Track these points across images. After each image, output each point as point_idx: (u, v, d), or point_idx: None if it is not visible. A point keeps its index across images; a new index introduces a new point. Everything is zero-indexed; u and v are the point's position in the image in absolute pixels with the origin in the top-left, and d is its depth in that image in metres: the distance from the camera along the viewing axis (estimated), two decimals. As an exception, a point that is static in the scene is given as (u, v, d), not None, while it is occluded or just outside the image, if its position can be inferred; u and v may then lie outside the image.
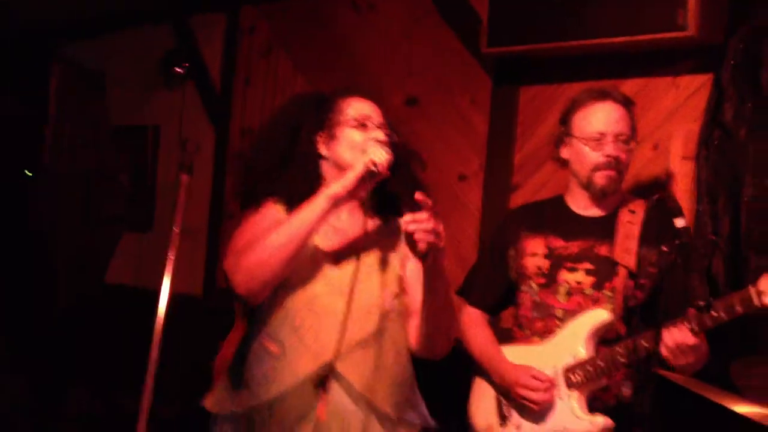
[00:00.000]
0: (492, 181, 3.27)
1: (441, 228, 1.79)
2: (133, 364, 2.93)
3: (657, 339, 1.96)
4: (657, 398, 2.05)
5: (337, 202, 1.89)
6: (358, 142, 1.98)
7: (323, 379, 1.88)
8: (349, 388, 1.91)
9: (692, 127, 2.67)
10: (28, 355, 3.91)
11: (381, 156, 1.88)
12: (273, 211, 2.01)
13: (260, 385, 1.93)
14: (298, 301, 1.95)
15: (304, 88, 3.90)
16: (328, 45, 3.86)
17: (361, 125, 2.01)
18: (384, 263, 2.01)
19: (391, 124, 2.07)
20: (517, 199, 3.15)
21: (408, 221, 1.77)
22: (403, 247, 1.99)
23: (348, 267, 1.96)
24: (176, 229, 1.96)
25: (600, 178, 2.25)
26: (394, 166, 1.95)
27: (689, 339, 1.95)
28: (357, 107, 2.05)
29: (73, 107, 3.80)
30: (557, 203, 2.40)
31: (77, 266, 4.20)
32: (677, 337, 1.94)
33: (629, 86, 2.87)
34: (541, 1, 2.87)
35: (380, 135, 1.98)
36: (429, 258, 1.80)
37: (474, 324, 2.46)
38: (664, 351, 1.98)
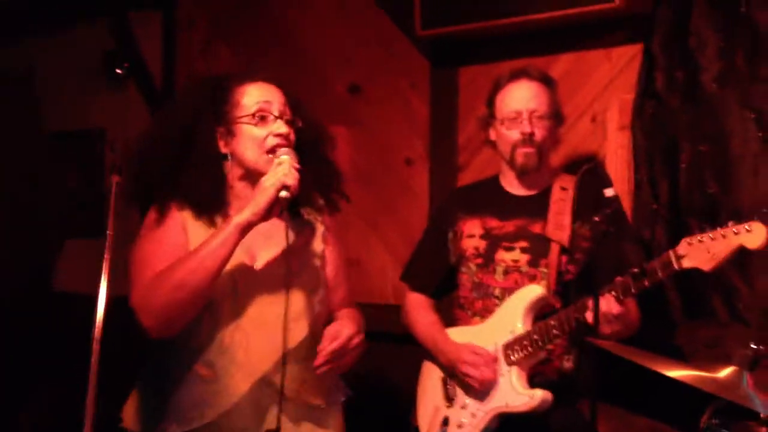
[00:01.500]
0: (438, 164, 3.28)
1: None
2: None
3: (584, 309, 2.00)
4: (598, 368, 2.08)
5: (247, 230, 1.82)
6: (258, 139, 1.90)
7: None
8: (285, 398, 1.88)
9: (627, 98, 2.70)
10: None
11: (291, 177, 1.81)
12: (179, 220, 1.91)
13: (192, 410, 1.87)
14: (224, 320, 1.89)
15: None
16: (267, 35, 3.83)
17: (261, 119, 1.91)
18: (309, 265, 1.99)
19: (292, 107, 1.97)
20: (464, 180, 3.17)
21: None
22: (320, 244, 1.98)
23: (273, 277, 1.91)
24: (110, 232, 1.88)
25: (519, 156, 2.30)
26: (303, 151, 1.92)
27: (614, 308, 1.99)
28: (254, 95, 1.93)
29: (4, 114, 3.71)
30: (492, 184, 2.44)
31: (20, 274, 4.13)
32: (602, 306, 1.98)
33: (564, 61, 2.90)
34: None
35: (281, 128, 1.90)
36: None
37: (418, 309, 2.49)
38: (590, 320, 2.01)
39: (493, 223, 2.36)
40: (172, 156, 1.91)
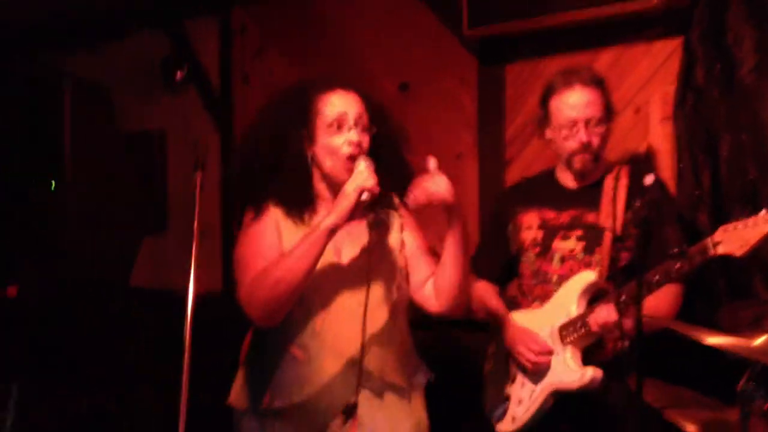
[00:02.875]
0: (486, 157, 3.42)
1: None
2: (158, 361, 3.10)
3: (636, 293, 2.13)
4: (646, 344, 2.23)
5: (335, 232, 2.02)
6: (335, 146, 2.08)
7: (350, 409, 2.05)
8: (369, 376, 2.09)
9: (668, 90, 2.82)
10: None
11: (370, 180, 2.00)
12: (273, 217, 2.13)
13: (290, 388, 2.10)
14: (315, 308, 2.11)
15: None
16: (318, 38, 3.99)
17: (338, 127, 2.08)
18: (387, 258, 2.18)
19: (372, 113, 2.14)
20: (512, 173, 3.31)
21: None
22: (397, 234, 2.17)
23: (356, 270, 2.11)
24: (196, 223, 2.12)
25: (576, 162, 2.44)
26: (378, 154, 2.10)
27: (612, 316, 2.17)
28: (334, 104, 2.10)
29: (84, 121, 3.97)
30: (547, 177, 2.59)
31: (99, 273, 4.36)
32: (603, 315, 2.19)
33: (607, 55, 3.02)
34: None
35: (353, 136, 2.07)
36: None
37: (484, 295, 2.65)
38: (594, 329, 2.21)
39: (550, 214, 2.50)
40: (266, 161, 2.13)
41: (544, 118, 2.50)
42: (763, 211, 2.01)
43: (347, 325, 2.07)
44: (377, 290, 2.11)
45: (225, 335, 2.64)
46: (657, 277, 2.16)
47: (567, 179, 2.53)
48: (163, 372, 3.19)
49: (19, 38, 4.78)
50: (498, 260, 2.65)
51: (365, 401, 2.08)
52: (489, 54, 3.38)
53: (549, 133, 2.51)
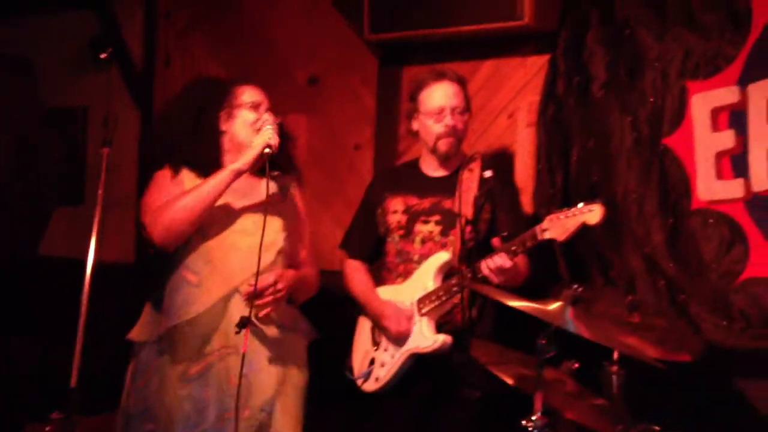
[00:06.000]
0: (381, 149, 3.77)
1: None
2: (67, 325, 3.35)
3: (475, 269, 2.53)
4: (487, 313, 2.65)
5: (239, 175, 2.49)
6: (250, 121, 2.57)
7: (244, 321, 2.39)
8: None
9: (534, 100, 3.22)
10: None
11: (274, 139, 2.48)
12: (182, 173, 2.56)
13: (180, 308, 2.48)
14: (211, 242, 2.52)
15: (217, 67, 4.32)
16: (237, 28, 4.26)
17: (254, 107, 2.59)
18: (282, 214, 2.60)
19: (272, 108, 2.62)
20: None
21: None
22: (292, 201, 2.68)
23: (251, 216, 2.54)
24: (100, 192, 2.50)
25: (443, 145, 2.80)
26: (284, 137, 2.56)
27: (506, 263, 2.54)
28: (250, 93, 2.62)
29: (6, 92, 4.15)
30: (412, 167, 2.95)
31: (10, 239, 4.55)
32: (497, 260, 2.54)
33: (488, 66, 3.41)
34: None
35: (269, 117, 2.55)
36: None
37: (354, 272, 3.00)
38: (485, 271, 2.56)
39: (413, 200, 2.86)
40: (184, 129, 2.64)
41: (413, 110, 2.86)
42: (581, 204, 2.42)
43: (236, 258, 2.50)
44: (268, 234, 2.50)
45: (134, 303, 2.92)
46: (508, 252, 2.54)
47: (429, 168, 2.89)
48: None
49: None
50: (367, 240, 2.99)
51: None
52: (389, 56, 3.72)
53: (416, 125, 2.87)
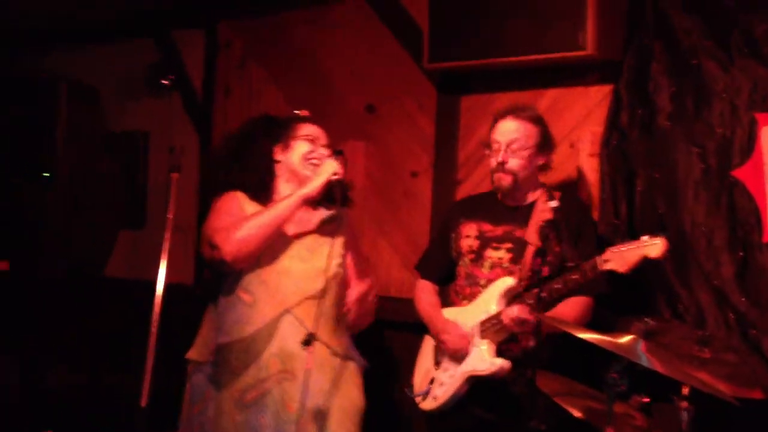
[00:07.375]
0: (440, 177, 3.78)
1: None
2: (128, 345, 3.42)
3: (540, 298, 2.55)
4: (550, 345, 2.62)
5: (306, 201, 2.61)
6: (305, 152, 2.72)
7: (309, 338, 2.43)
8: (299, 327, 2.54)
9: (597, 130, 3.20)
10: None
11: (340, 169, 2.60)
12: (239, 196, 2.68)
13: (233, 325, 2.57)
14: (267, 266, 2.61)
15: (276, 96, 4.40)
16: (294, 57, 4.34)
17: (310, 140, 2.73)
18: (331, 241, 2.66)
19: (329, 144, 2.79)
20: (462, 192, 3.66)
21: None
22: (344, 229, 2.73)
23: (305, 242, 2.66)
24: (170, 216, 2.62)
25: (495, 180, 2.86)
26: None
27: (520, 313, 2.60)
28: (308, 130, 2.77)
29: (77, 120, 4.33)
30: (491, 195, 2.97)
31: (77, 261, 4.66)
32: (516, 311, 2.60)
33: (550, 95, 3.40)
34: (470, 24, 3.37)
35: (325, 151, 2.70)
36: None
37: (424, 292, 3.06)
38: (505, 320, 2.62)
39: (487, 227, 2.90)
40: (238, 158, 2.81)
41: (486, 144, 2.91)
42: (644, 237, 2.40)
43: (289, 281, 2.59)
44: (317, 261, 2.62)
45: (193, 322, 2.98)
46: (558, 285, 2.55)
47: (507, 198, 2.91)
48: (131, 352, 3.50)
49: (20, 41, 5.12)
50: (440, 262, 3.06)
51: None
52: (447, 85, 3.74)
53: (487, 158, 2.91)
